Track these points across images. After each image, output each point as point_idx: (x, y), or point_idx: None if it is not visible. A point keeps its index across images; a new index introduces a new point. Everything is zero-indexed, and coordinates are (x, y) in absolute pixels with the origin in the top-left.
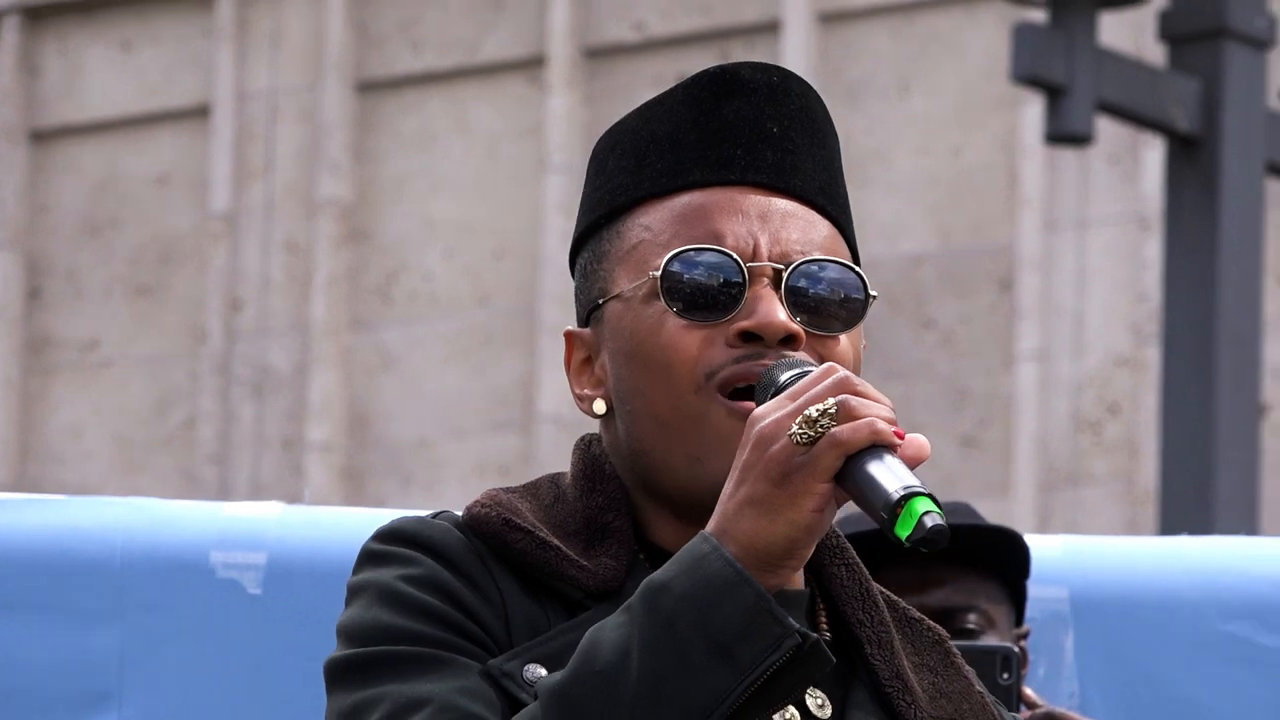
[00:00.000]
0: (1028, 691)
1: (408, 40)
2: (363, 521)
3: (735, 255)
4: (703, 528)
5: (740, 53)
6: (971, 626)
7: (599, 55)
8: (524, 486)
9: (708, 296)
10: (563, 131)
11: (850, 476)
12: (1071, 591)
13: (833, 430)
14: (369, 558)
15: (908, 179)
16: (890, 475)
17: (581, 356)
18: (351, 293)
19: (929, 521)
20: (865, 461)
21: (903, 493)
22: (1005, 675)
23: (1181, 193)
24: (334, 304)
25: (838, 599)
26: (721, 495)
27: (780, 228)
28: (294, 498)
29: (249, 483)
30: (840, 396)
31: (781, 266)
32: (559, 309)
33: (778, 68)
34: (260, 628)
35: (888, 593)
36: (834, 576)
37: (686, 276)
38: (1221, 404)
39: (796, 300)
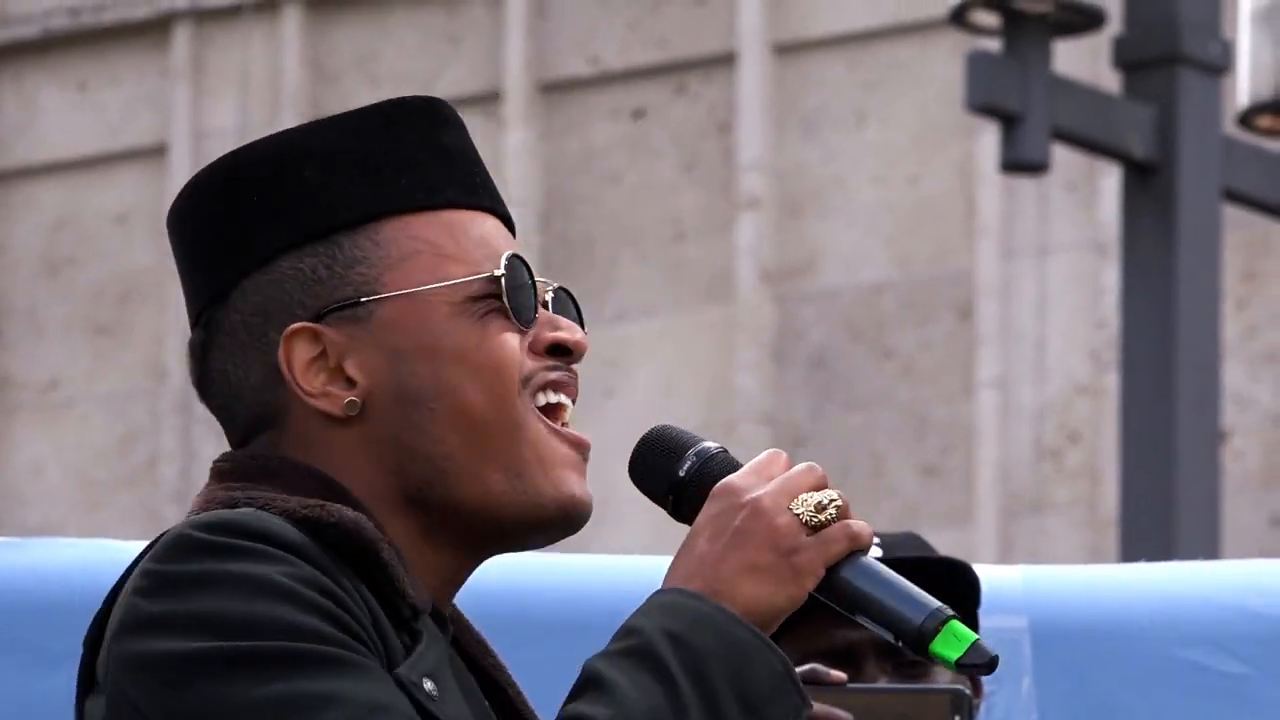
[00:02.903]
0: None
1: (364, 75)
2: None
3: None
4: (457, 548)
5: (697, 85)
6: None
7: (555, 89)
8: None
9: (530, 306)
10: (521, 166)
11: (849, 573)
12: (1031, 620)
13: (848, 523)
14: (205, 548)
15: (866, 208)
16: (908, 587)
17: (314, 353)
18: None
19: (986, 649)
20: (858, 562)
21: (942, 615)
22: (957, 718)
23: (1139, 219)
24: None
25: (477, 645)
26: (698, 552)
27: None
28: None
29: None
30: (837, 492)
31: (553, 285)
32: None
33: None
34: None
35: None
36: (466, 625)
37: (515, 282)
38: (1182, 430)
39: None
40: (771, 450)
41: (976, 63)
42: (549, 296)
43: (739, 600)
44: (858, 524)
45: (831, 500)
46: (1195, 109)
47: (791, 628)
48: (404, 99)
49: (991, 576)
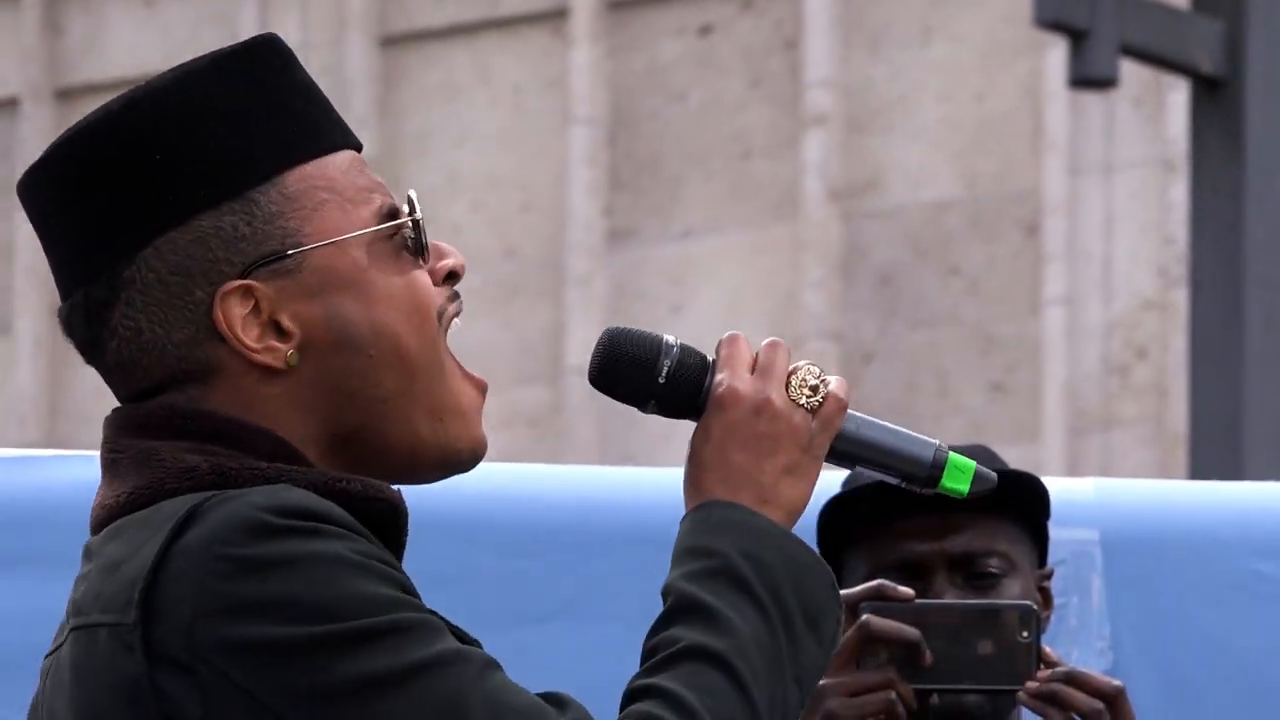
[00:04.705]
0: (1047, 650)
1: None
2: None
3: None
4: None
5: (763, 1)
6: (994, 570)
7: (622, 6)
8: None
9: (425, 241)
10: (586, 83)
11: (846, 433)
12: (1103, 533)
13: (835, 395)
14: (281, 531)
15: (931, 126)
16: (897, 432)
17: (247, 308)
18: None
19: (987, 473)
20: (847, 419)
21: (941, 449)
22: (1025, 633)
23: (1206, 135)
24: None
25: None
26: (734, 464)
27: None
28: None
29: None
30: (809, 362)
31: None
32: (586, 260)
33: None
34: None
35: None
36: None
37: (415, 221)
38: (1250, 346)
39: None
40: (735, 334)
41: None
42: None
43: (783, 506)
44: (839, 388)
45: (816, 376)
46: (1264, 24)
47: (861, 542)
48: (253, 41)
49: (1062, 489)
